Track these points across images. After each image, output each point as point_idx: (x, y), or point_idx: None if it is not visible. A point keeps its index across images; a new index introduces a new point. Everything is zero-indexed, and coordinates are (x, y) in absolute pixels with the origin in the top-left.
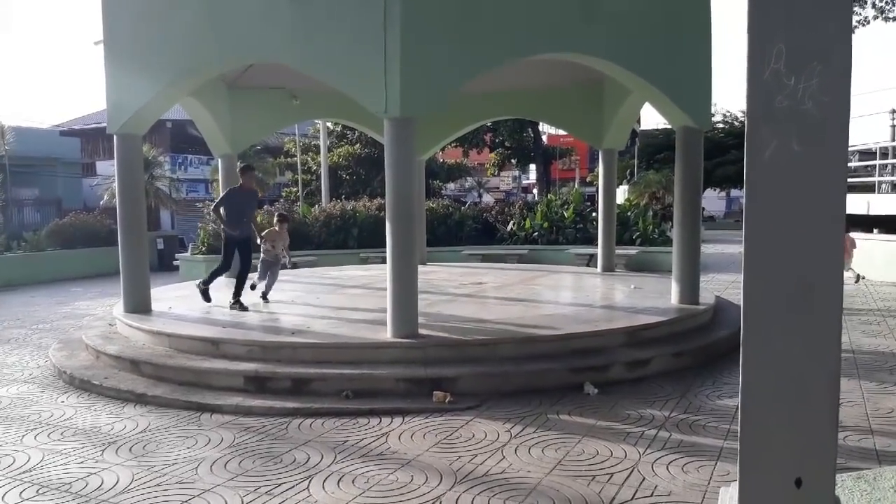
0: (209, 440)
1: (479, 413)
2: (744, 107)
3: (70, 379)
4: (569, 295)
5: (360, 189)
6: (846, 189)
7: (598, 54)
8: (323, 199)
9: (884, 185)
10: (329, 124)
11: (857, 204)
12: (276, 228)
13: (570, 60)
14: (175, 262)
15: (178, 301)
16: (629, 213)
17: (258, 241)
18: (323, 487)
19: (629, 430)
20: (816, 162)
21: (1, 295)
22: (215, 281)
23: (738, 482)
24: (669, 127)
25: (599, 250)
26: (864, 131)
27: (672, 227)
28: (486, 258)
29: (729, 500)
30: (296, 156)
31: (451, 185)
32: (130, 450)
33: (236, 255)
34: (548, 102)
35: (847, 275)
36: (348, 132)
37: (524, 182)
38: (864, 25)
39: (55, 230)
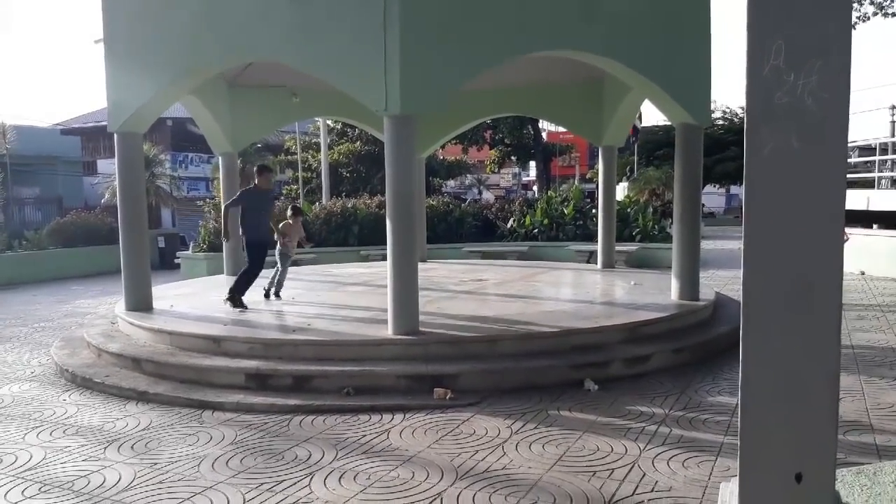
0: (211, 437)
1: (480, 409)
2: (743, 103)
3: (72, 377)
4: (569, 291)
5: (361, 186)
6: (846, 185)
7: (598, 51)
8: (323, 197)
9: (883, 181)
10: (329, 122)
11: (856, 200)
12: (290, 222)
13: (570, 57)
14: (176, 261)
15: (179, 299)
16: (629, 210)
17: (276, 237)
18: (324, 484)
19: (629, 426)
20: (816, 158)
21: (2, 293)
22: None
23: (738, 477)
24: (669, 124)
25: (599, 247)
26: (864, 127)
27: (672, 223)
28: (486, 255)
29: (729, 496)
30: (296, 153)
31: (452, 183)
32: (132, 447)
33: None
34: (548, 99)
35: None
36: (349, 130)
37: (524, 179)
38: (863, 21)
39: (56, 229)
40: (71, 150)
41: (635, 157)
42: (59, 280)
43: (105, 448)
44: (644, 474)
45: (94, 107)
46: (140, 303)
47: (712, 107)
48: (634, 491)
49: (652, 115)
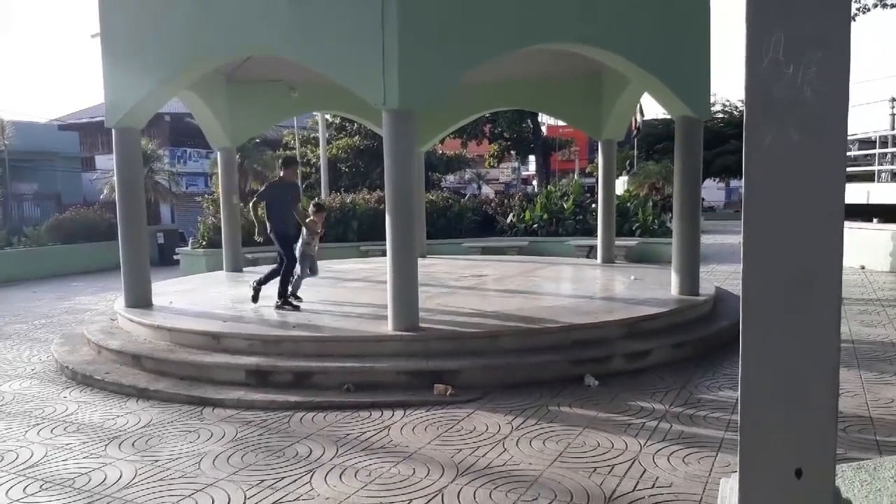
0: (211, 434)
1: (481, 405)
2: (743, 96)
3: (72, 374)
4: (569, 286)
5: (360, 181)
6: (845, 178)
7: (598, 44)
8: (322, 192)
9: (883, 174)
10: (328, 117)
11: (856, 193)
12: (314, 218)
13: (570, 50)
14: (175, 257)
15: (178, 295)
16: (629, 204)
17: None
18: (325, 481)
19: (630, 422)
20: (816, 151)
21: (2, 290)
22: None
23: (738, 473)
24: (669, 117)
25: (599, 241)
26: (864, 120)
27: (672, 217)
28: (485, 250)
29: (729, 492)
30: (295, 148)
31: (451, 177)
32: (133, 444)
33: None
34: (547, 93)
35: None
36: (347, 124)
37: (524, 173)
38: (863, 13)
39: (55, 225)
40: (69, 145)
41: (635, 151)
42: (59, 276)
43: (106, 445)
44: (644, 470)
45: (91, 102)
46: (140, 299)
47: (712, 100)
48: (635, 487)
49: (651, 109)
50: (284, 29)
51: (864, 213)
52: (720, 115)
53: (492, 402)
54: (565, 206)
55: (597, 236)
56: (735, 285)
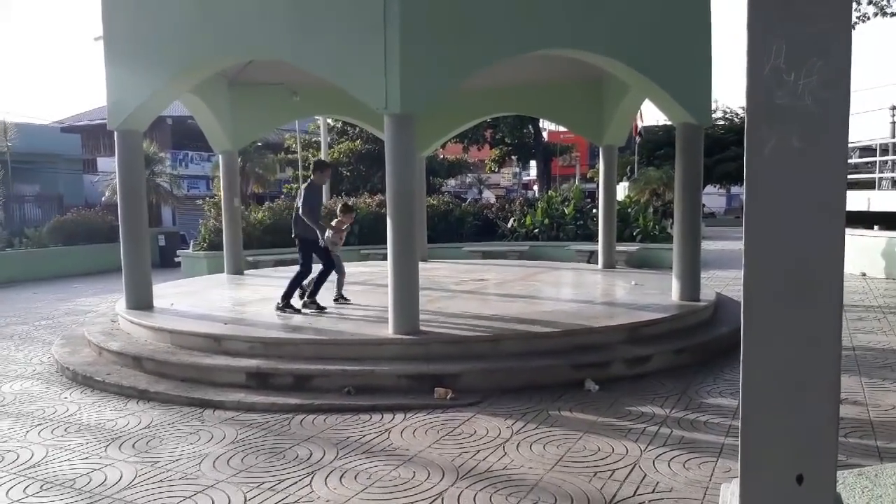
0: (212, 436)
1: (481, 409)
2: (744, 103)
3: (73, 375)
4: (570, 291)
5: (361, 185)
6: (846, 185)
7: (599, 50)
8: (323, 196)
9: (884, 182)
10: (330, 120)
11: (857, 200)
12: (343, 220)
13: (571, 56)
14: (177, 259)
15: (179, 297)
16: (630, 210)
17: (329, 235)
18: (325, 483)
19: (630, 427)
20: (816, 158)
21: (3, 291)
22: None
23: (739, 479)
24: (669, 123)
25: (600, 247)
26: (865, 128)
27: (672, 223)
28: (486, 255)
29: (730, 497)
30: (296, 152)
31: (452, 182)
32: (134, 446)
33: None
34: (548, 99)
35: None
36: (349, 128)
37: (525, 178)
38: (863, 21)
39: (57, 226)
40: (71, 147)
41: (636, 157)
42: (60, 278)
43: (106, 446)
44: (645, 475)
45: (94, 104)
46: (141, 301)
47: (713, 106)
48: (635, 492)
49: (652, 115)
50: (285, 32)
51: (865, 220)
52: (721, 122)
53: (492, 405)
54: (566, 211)
55: (597, 241)
56: (736, 291)
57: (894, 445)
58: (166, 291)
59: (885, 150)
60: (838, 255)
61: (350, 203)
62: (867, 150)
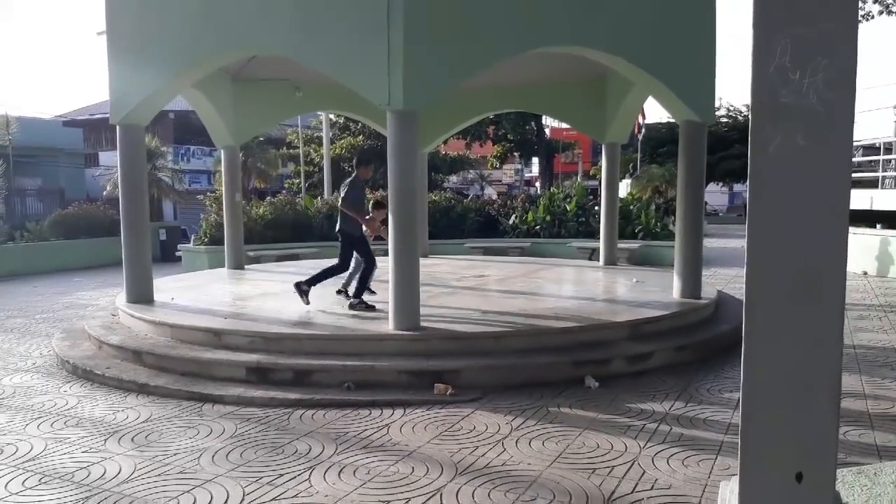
0: (211, 430)
1: (481, 405)
2: (748, 101)
3: (73, 368)
4: (571, 288)
5: None
6: (850, 184)
7: (603, 48)
8: (325, 191)
9: (887, 181)
10: (332, 116)
11: (860, 199)
12: (374, 215)
13: (574, 54)
14: (178, 253)
15: (180, 292)
16: (632, 207)
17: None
18: (324, 478)
19: (630, 424)
20: (821, 157)
21: (4, 285)
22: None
23: (738, 476)
24: (673, 121)
25: (602, 244)
26: (868, 126)
27: (674, 221)
28: (488, 251)
29: (729, 494)
30: (298, 147)
31: (454, 178)
32: (133, 439)
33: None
34: (551, 96)
35: None
36: (351, 124)
37: (527, 175)
38: (867, 20)
39: (58, 220)
40: (73, 141)
41: (638, 154)
42: (61, 271)
43: (105, 440)
44: (644, 472)
45: (96, 99)
46: (141, 295)
47: (717, 104)
48: (634, 489)
49: (655, 112)
50: (288, 29)
51: (868, 218)
52: (725, 120)
53: (492, 402)
54: (568, 208)
55: (599, 238)
56: (737, 289)
57: (894, 444)
58: (167, 286)
59: (888, 148)
60: (841, 255)
61: (380, 198)
62: (871, 149)
